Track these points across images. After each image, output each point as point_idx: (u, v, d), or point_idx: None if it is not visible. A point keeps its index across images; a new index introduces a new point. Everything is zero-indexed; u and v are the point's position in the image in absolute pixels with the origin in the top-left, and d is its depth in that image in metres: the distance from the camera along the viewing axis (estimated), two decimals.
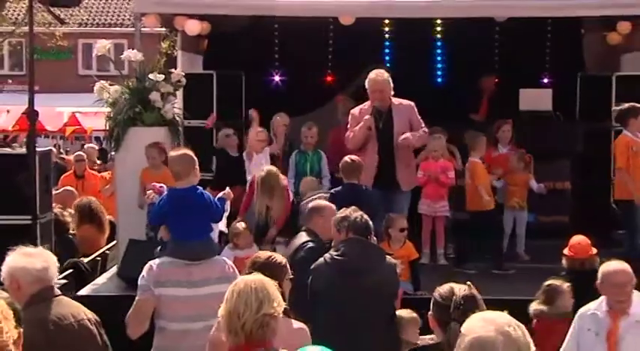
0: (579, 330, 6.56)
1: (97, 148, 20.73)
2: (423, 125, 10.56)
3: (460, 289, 4.78)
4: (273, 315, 4.44)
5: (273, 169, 10.23)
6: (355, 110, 10.57)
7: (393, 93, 10.44)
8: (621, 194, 10.74)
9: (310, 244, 7.79)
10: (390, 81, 10.37)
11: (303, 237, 7.95)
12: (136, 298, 6.56)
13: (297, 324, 5.59)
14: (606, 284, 6.36)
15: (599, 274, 6.46)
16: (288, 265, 5.86)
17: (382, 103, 10.38)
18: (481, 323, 3.10)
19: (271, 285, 4.56)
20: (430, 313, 4.82)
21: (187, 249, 6.74)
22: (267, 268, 5.43)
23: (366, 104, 10.44)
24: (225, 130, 11.96)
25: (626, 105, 10.89)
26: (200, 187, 7.26)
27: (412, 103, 10.57)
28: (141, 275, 6.61)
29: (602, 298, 6.47)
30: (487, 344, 3.00)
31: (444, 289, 4.82)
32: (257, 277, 4.63)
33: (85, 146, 22.92)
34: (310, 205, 8.38)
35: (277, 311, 4.48)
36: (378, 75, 10.40)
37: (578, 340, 6.53)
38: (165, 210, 7.26)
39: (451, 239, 11.46)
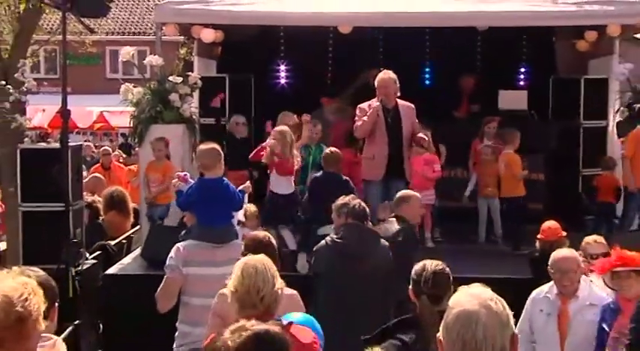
0: (532, 311, 6.48)
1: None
2: (419, 128, 10.57)
3: (431, 265, 4.82)
4: (281, 289, 4.53)
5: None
6: (364, 104, 10.47)
7: (399, 94, 10.40)
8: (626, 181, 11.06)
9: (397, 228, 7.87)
10: (396, 80, 10.31)
11: (393, 224, 7.99)
12: (165, 276, 6.58)
13: (288, 290, 5.63)
14: (554, 270, 6.29)
15: (550, 261, 6.38)
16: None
17: (387, 99, 10.29)
18: (467, 297, 3.10)
19: (272, 263, 4.65)
20: (410, 287, 4.86)
21: (212, 233, 6.79)
22: (261, 247, 5.55)
23: (373, 100, 10.36)
24: (236, 117, 11.92)
25: None
26: (225, 179, 7.31)
27: (413, 106, 10.53)
28: (169, 256, 6.63)
29: (553, 282, 6.41)
30: (472, 316, 3.00)
31: (418, 266, 4.88)
32: (263, 257, 4.68)
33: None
34: (398, 194, 8.43)
35: (283, 285, 4.56)
36: (385, 74, 10.41)
37: (531, 321, 6.45)
38: (193, 198, 7.30)
39: (437, 224, 11.49)
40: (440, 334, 3.11)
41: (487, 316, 3.01)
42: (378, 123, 10.27)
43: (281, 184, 9.94)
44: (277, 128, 10.06)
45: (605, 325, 5.86)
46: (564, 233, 8.30)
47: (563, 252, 6.41)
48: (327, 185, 9.65)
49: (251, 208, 9.35)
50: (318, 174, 10.29)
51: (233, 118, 11.97)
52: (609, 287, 5.98)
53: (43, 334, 3.68)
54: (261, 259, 4.62)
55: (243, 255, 5.41)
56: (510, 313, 3.08)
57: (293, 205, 10.14)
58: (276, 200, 10.04)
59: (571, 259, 6.29)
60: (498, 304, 3.08)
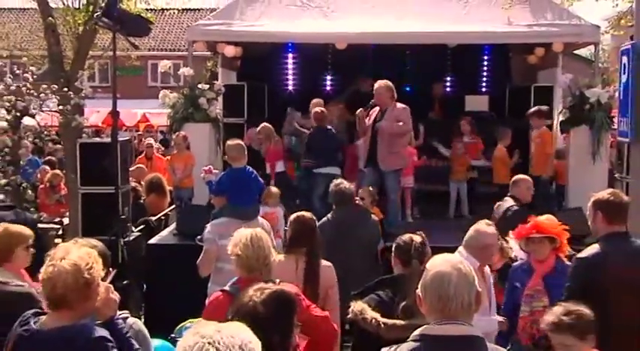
0: None
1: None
2: (407, 126, 10.05)
3: (417, 237, 4.84)
4: (275, 258, 4.58)
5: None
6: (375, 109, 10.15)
7: (392, 96, 9.92)
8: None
9: (515, 207, 7.85)
10: (389, 88, 9.87)
11: (508, 201, 8.02)
12: (205, 248, 6.59)
13: (324, 263, 5.65)
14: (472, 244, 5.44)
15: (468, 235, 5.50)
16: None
17: (379, 103, 9.90)
18: (441, 261, 3.18)
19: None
20: (393, 254, 4.85)
21: (241, 212, 6.82)
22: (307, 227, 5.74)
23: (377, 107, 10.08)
24: (252, 130, 11.85)
25: (534, 108, 11.04)
26: (250, 167, 7.36)
27: (404, 106, 9.95)
28: (206, 231, 6.67)
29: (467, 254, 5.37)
30: (445, 276, 3.08)
31: (404, 237, 4.87)
32: (260, 230, 4.69)
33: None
34: (513, 178, 8.47)
35: (276, 255, 4.62)
36: (379, 84, 9.94)
37: None
38: (225, 184, 7.34)
39: (415, 203, 11.47)
40: (419, 291, 3.18)
41: (457, 276, 3.08)
42: (369, 124, 9.98)
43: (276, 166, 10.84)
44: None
45: (517, 284, 5.69)
46: None
47: (483, 226, 5.56)
48: (320, 138, 10.50)
49: (273, 189, 9.33)
50: (312, 129, 10.88)
51: (250, 130, 11.90)
52: (523, 250, 5.84)
53: None
54: (262, 232, 4.63)
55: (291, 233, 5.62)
56: (475, 275, 3.15)
57: (284, 179, 10.83)
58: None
59: (491, 234, 5.51)
60: (466, 267, 3.15)
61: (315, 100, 11.52)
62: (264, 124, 10.98)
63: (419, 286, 3.19)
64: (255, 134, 11.47)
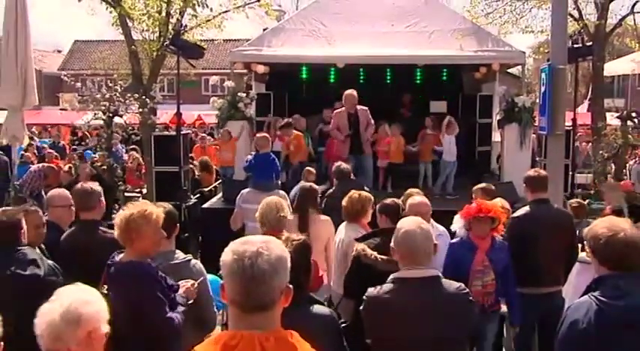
0: None
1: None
2: (373, 122, 10.25)
3: (391, 201, 4.72)
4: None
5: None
6: (338, 110, 10.31)
7: (357, 102, 10.05)
8: None
9: None
10: (355, 95, 10.00)
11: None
12: (235, 210, 6.66)
13: (323, 217, 5.57)
14: (411, 213, 4.86)
15: (407, 205, 4.84)
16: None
17: (349, 107, 10.02)
18: (407, 222, 3.15)
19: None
20: (381, 212, 4.68)
21: (261, 184, 6.80)
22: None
23: (343, 108, 10.17)
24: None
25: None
26: (272, 154, 7.35)
27: (366, 108, 10.19)
28: (237, 198, 6.71)
29: None
30: (410, 232, 3.06)
31: (388, 201, 4.69)
32: (279, 199, 4.64)
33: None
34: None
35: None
36: (348, 92, 10.07)
37: None
38: (252, 165, 7.34)
39: (393, 179, 11.37)
40: (392, 244, 3.15)
41: (420, 233, 3.07)
42: (342, 122, 10.06)
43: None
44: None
45: (461, 259, 4.65)
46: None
47: (418, 199, 5.08)
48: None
49: (312, 170, 9.09)
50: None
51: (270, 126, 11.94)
52: (466, 229, 4.86)
53: (177, 252, 3.73)
54: (280, 199, 4.60)
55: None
56: (432, 232, 3.15)
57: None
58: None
59: (424, 203, 4.99)
60: (427, 225, 3.16)
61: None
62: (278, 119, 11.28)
63: (392, 239, 3.14)
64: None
